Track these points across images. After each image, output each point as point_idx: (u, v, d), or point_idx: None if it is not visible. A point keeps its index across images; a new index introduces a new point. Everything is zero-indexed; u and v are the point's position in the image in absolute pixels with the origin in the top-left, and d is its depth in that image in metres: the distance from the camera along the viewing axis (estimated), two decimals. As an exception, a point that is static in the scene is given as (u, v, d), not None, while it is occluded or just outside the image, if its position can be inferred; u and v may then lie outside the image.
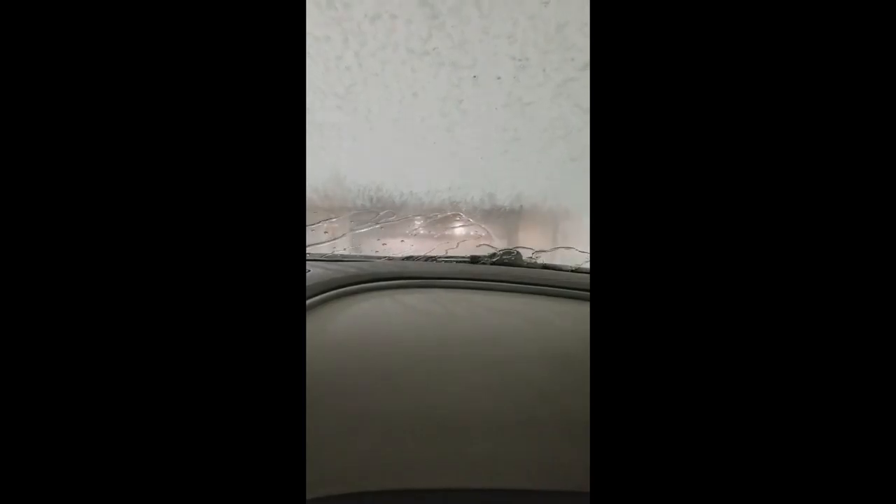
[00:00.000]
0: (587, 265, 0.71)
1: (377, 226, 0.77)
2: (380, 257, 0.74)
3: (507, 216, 0.76)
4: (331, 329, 0.52)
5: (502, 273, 0.64)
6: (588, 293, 0.61)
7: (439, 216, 0.77)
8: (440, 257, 0.73)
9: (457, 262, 0.71)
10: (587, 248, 0.72)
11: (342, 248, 0.77)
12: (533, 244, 0.74)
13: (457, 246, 0.77)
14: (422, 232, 0.77)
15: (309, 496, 0.45)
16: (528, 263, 0.72)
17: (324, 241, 0.76)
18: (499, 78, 0.59)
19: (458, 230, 0.79)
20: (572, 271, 0.68)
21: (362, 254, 0.76)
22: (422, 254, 0.75)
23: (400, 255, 0.74)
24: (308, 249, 0.74)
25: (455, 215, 0.77)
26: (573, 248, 0.73)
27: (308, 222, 0.75)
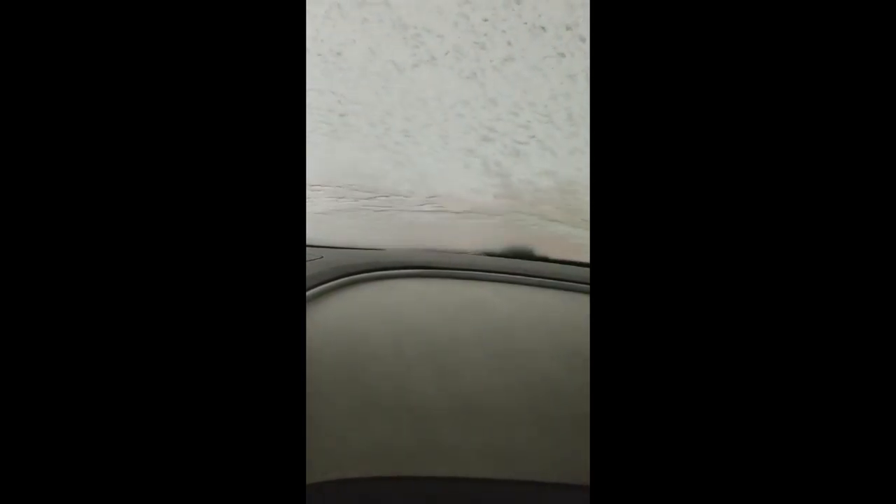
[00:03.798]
0: None
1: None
2: (391, 247, 0.74)
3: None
4: (342, 316, 0.52)
5: (515, 265, 0.64)
6: None
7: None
8: (453, 249, 0.73)
9: (469, 253, 0.71)
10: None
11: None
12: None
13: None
14: (428, 223, 0.77)
15: (318, 479, 0.46)
16: (540, 256, 0.71)
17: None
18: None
19: (472, 223, 0.79)
20: (583, 265, 0.67)
21: (374, 242, 0.77)
22: (435, 245, 0.75)
23: (411, 246, 0.75)
24: (320, 237, 0.75)
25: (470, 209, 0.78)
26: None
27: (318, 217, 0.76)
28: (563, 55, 0.61)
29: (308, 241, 0.73)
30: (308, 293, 0.53)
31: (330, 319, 0.52)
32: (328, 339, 0.50)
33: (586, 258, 0.70)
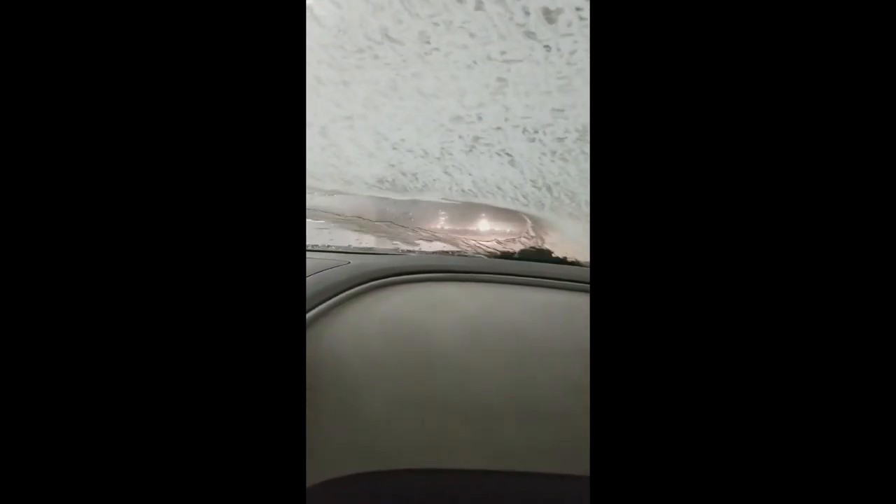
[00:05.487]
0: None
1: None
2: (413, 251, 0.76)
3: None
4: (368, 319, 0.54)
5: (533, 268, 0.64)
6: None
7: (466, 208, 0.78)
8: (471, 252, 0.74)
9: (487, 256, 0.72)
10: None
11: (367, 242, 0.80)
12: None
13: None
14: (447, 227, 0.78)
15: (347, 472, 0.48)
16: (557, 259, 0.71)
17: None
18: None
19: (484, 225, 0.80)
20: None
21: (394, 247, 0.78)
22: (452, 248, 0.77)
23: (431, 250, 0.76)
24: (338, 244, 0.78)
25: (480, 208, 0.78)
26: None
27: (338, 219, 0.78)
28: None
29: (335, 247, 0.76)
30: (335, 299, 0.55)
31: (358, 321, 0.54)
32: (357, 340, 0.52)
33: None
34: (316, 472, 0.47)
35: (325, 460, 0.48)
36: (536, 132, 0.64)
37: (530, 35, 0.53)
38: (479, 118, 0.65)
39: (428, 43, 0.58)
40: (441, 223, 0.80)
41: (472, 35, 0.56)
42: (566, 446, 0.49)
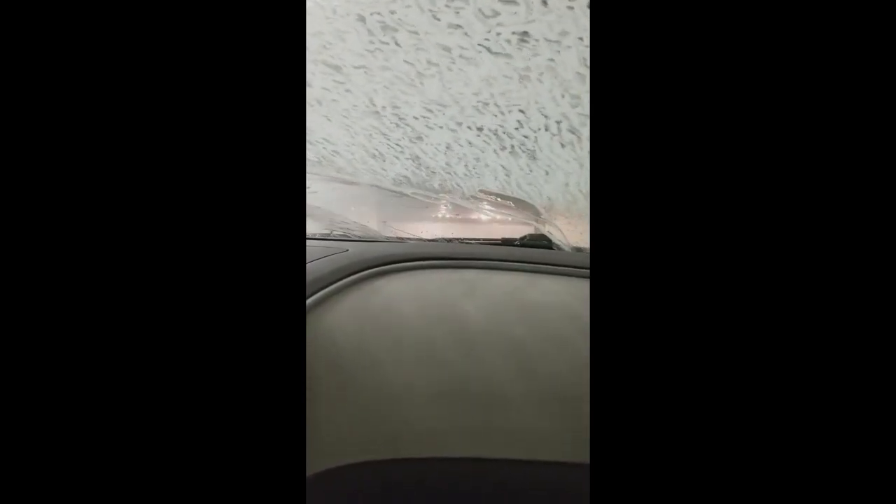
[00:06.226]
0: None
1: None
2: (414, 238, 0.76)
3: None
4: (367, 307, 0.54)
5: (535, 255, 0.64)
6: None
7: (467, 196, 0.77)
8: (472, 239, 0.74)
9: (486, 243, 0.71)
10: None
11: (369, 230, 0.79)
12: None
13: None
14: (448, 216, 0.78)
15: (345, 461, 0.47)
16: (560, 246, 0.71)
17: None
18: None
19: (486, 213, 0.79)
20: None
21: (396, 235, 0.78)
22: (452, 236, 0.76)
23: (432, 237, 0.76)
24: (343, 230, 0.78)
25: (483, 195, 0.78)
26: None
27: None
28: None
29: (331, 235, 0.76)
30: (333, 287, 0.55)
31: (361, 308, 0.53)
32: (359, 326, 0.52)
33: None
34: (315, 461, 0.47)
35: (325, 450, 0.47)
36: (560, 123, 0.63)
37: (558, 15, 0.52)
38: (502, 111, 0.64)
39: (438, 21, 0.57)
40: (443, 212, 0.80)
41: (487, 16, 0.55)
42: (580, 434, 0.49)
